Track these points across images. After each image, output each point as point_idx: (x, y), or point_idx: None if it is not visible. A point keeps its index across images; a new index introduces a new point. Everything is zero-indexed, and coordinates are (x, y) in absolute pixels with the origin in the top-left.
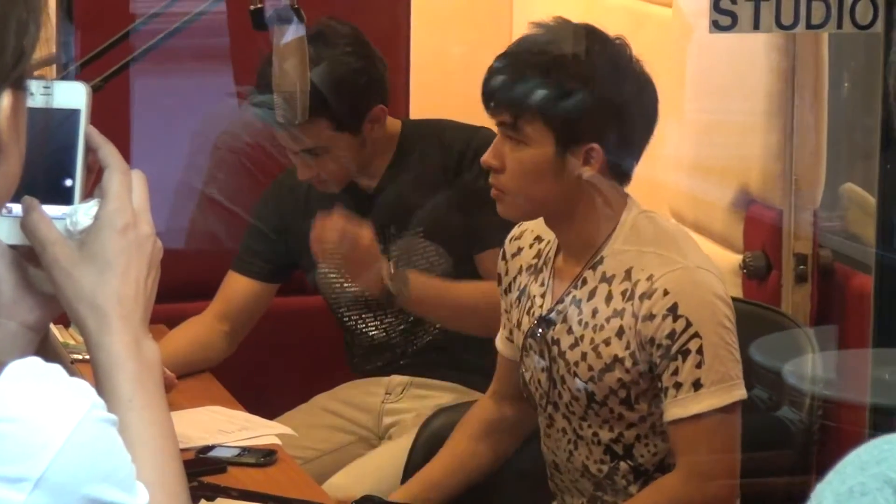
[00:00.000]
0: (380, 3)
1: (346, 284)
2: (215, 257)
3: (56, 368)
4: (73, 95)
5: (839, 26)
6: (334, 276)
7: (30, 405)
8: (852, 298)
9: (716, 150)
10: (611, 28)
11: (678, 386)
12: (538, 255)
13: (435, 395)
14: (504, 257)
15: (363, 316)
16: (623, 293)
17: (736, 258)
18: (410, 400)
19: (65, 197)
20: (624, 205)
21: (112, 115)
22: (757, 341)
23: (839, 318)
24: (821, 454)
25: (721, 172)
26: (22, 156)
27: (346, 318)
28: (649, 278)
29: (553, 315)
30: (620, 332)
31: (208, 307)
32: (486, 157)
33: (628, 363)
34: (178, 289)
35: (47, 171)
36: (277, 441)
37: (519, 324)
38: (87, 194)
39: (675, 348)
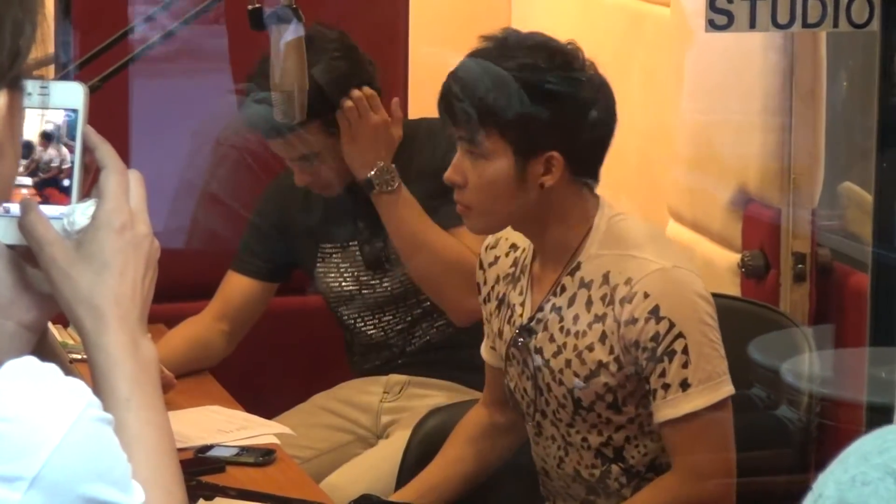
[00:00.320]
0: (378, 3)
1: (343, 285)
2: (215, 257)
3: (52, 368)
4: (70, 95)
5: (835, 25)
6: (333, 275)
7: (25, 404)
8: (851, 297)
9: (714, 149)
10: (609, 28)
11: (666, 387)
12: (515, 264)
13: (433, 394)
14: (481, 266)
15: (361, 315)
16: (603, 298)
17: (734, 257)
18: (408, 399)
19: (62, 197)
20: (596, 208)
21: (110, 115)
22: (755, 340)
23: (838, 317)
24: (819, 453)
25: (719, 171)
26: (18, 155)
27: (345, 317)
28: (628, 282)
29: (533, 324)
30: (603, 338)
31: (207, 307)
32: (449, 174)
33: (613, 368)
34: (177, 288)
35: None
36: (276, 440)
37: (500, 333)
38: (85, 194)
39: (660, 350)
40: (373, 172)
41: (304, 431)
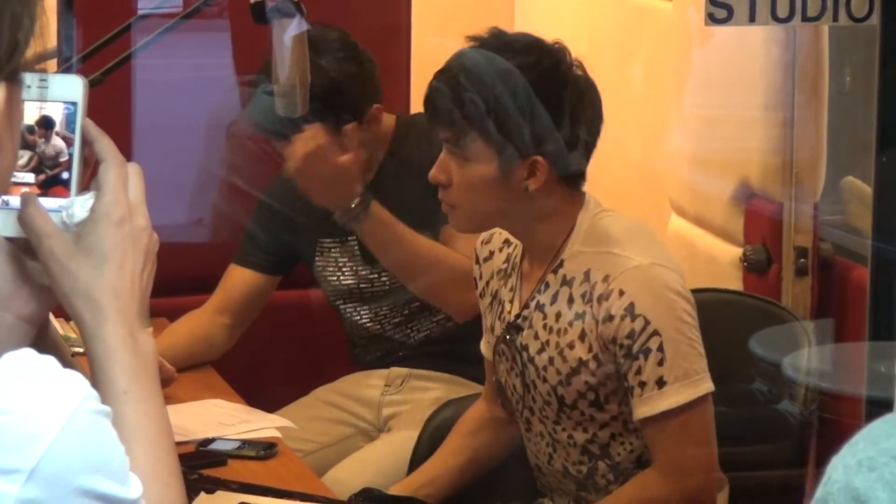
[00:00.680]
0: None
1: (342, 279)
2: (217, 250)
3: (50, 360)
4: (69, 89)
5: (835, 19)
6: (332, 269)
7: (23, 397)
8: (853, 291)
9: (716, 143)
10: (611, 23)
11: (643, 385)
12: (507, 260)
13: (434, 387)
14: (477, 261)
15: (358, 308)
16: (583, 295)
17: (736, 251)
18: (410, 392)
19: (61, 190)
20: (580, 206)
21: (113, 108)
22: (757, 334)
23: (839, 311)
24: (819, 446)
25: (721, 166)
26: (16, 148)
27: (344, 311)
28: (605, 279)
29: (520, 321)
30: (583, 335)
31: (209, 300)
32: (433, 173)
33: (593, 365)
34: (179, 282)
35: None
36: (277, 434)
37: (492, 329)
38: (84, 187)
39: (636, 348)
40: (338, 213)
41: (306, 425)
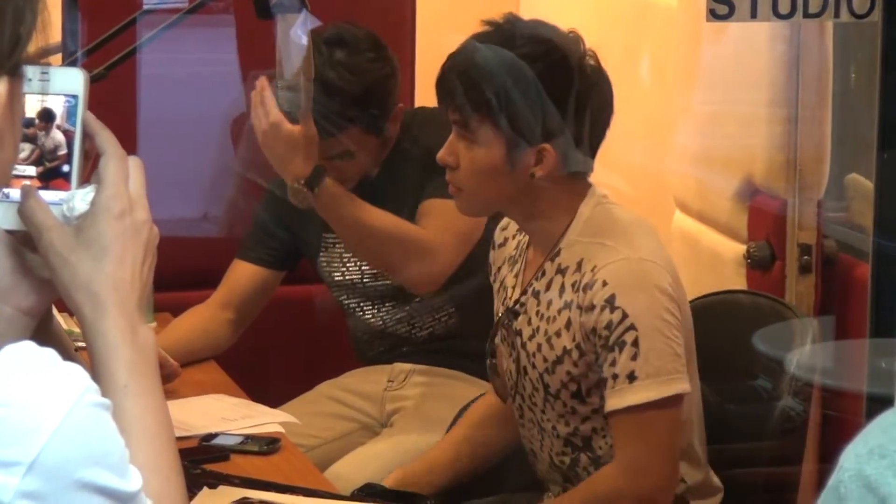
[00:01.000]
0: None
1: (346, 273)
2: (221, 245)
3: (50, 352)
4: (70, 82)
5: (836, 15)
6: (336, 264)
7: (23, 389)
8: (856, 288)
9: (720, 140)
10: (616, 19)
11: (615, 377)
12: (517, 247)
13: (437, 383)
14: (493, 247)
15: (361, 304)
16: (573, 285)
17: (740, 248)
18: (413, 387)
19: (62, 183)
20: (584, 196)
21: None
22: (760, 331)
23: (843, 308)
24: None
25: (725, 163)
26: (17, 142)
27: (346, 306)
28: (593, 269)
29: (517, 307)
30: (568, 324)
31: (213, 295)
32: (441, 154)
33: (575, 355)
34: (183, 277)
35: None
36: (280, 429)
37: (497, 314)
38: (85, 180)
39: (612, 339)
40: (291, 189)
41: (309, 420)
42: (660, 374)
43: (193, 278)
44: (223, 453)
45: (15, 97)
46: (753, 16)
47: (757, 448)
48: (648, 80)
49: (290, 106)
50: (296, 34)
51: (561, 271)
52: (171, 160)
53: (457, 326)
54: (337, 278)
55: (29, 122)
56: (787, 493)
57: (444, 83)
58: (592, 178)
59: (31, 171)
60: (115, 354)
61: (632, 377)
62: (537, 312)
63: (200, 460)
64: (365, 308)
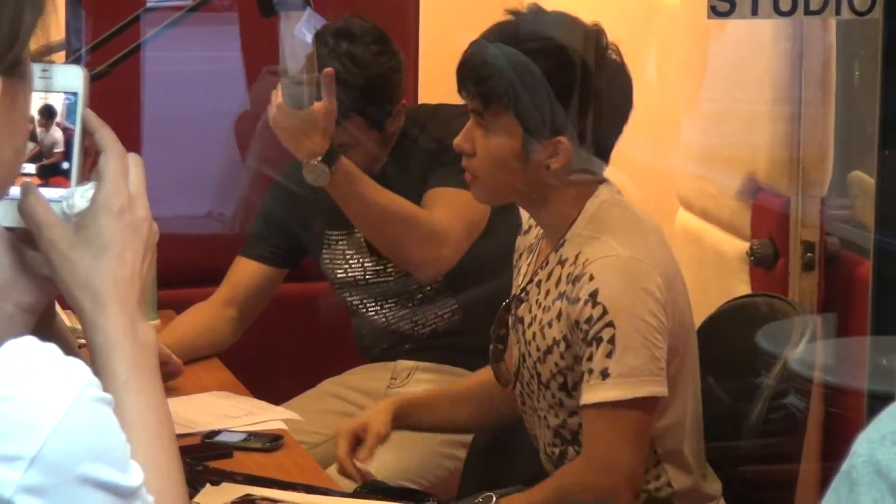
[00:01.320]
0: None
1: (349, 270)
2: (224, 242)
3: (51, 347)
4: (70, 79)
5: (837, 12)
6: (339, 261)
7: (25, 384)
8: (859, 286)
9: (724, 138)
10: (621, 17)
11: (591, 372)
12: (537, 236)
13: (440, 380)
14: (521, 232)
15: (364, 300)
16: (567, 276)
17: (743, 246)
18: (416, 385)
19: (62, 180)
20: (594, 190)
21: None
22: (763, 328)
23: (846, 306)
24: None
25: (729, 160)
26: (15, 143)
27: (350, 302)
28: (584, 262)
29: (523, 294)
30: (559, 315)
31: (216, 292)
32: (458, 141)
33: (562, 347)
34: (187, 274)
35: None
36: (284, 426)
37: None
38: (85, 177)
39: (590, 334)
40: (306, 167)
41: (312, 417)
42: (632, 375)
43: (197, 275)
44: (226, 450)
45: (14, 97)
46: (754, 12)
47: (760, 446)
48: (652, 78)
49: (293, 103)
50: (299, 31)
51: (561, 262)
52: (175, 157)
53: (459, 323)
54: (340, 275)
55: (30, 120)
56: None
57: (464, 70)
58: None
59: (31, 168)
60: (115, 351)
61: (605, 374)
62: (537, 301)
63: (203, 457)
64: (368, 305)
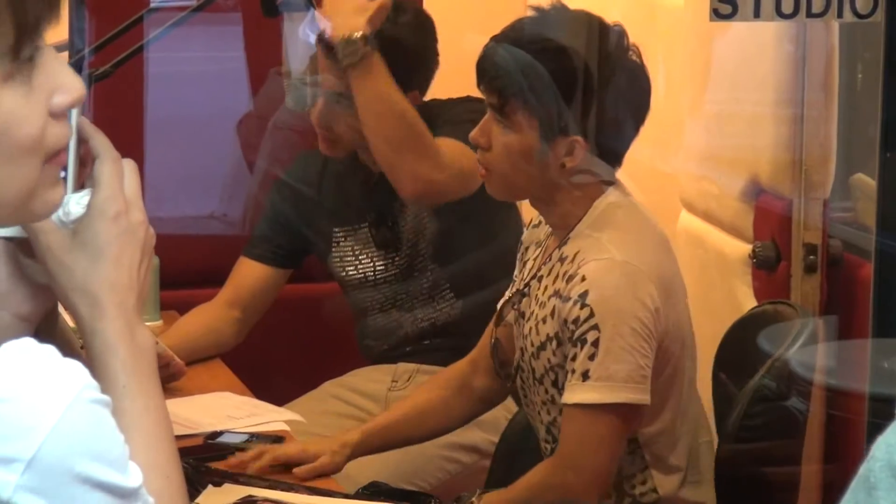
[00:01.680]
0: None
1: (359, 267)
2: (227, 243)
3: (49, 349)
4: None
5: (839, 15)
6: (350, 258)
7: (22, 385)
8: (862, 288)
9: (726, 140)
10: (623, 18)
11: (573, 372)
12: (546, 232)
13: None
14: (528, 227)
15: (371, 300)
16: (564, 274)
17: (746, 248)
18: (417, 387)
19: None
20: (603, 191)
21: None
22: (765, 331)
23: (848, 308)
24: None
25: (731, 162)
26: (24, 168)
27: (358, 301)
28: (580, 262)
29: (526, 288)
30: (553, 313)
31: (219, 293)
32: (474, 134)
33: (554, 344)
34: (190, 275)
35: None
36: (286, 427)
37: (510, 293)
38: (80, 185)
39: (576, 334)
40: (339, 42)
41: (314, 418)
42: (611, 380)
43: (200, 276)
44: (228, 451)
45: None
46: (756, 15)
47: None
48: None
49: (296, 104)
50: (303, 32)
51: (561, 259)
52: (178, 158)
53: (458, 316)
54: (351, 273)
55: None
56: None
57: (484, 65)
58: None
59: None
60: (113, 355)
61: (586, 376)
62: (536, 297)
63: (205, 458)
64: (374, 304)
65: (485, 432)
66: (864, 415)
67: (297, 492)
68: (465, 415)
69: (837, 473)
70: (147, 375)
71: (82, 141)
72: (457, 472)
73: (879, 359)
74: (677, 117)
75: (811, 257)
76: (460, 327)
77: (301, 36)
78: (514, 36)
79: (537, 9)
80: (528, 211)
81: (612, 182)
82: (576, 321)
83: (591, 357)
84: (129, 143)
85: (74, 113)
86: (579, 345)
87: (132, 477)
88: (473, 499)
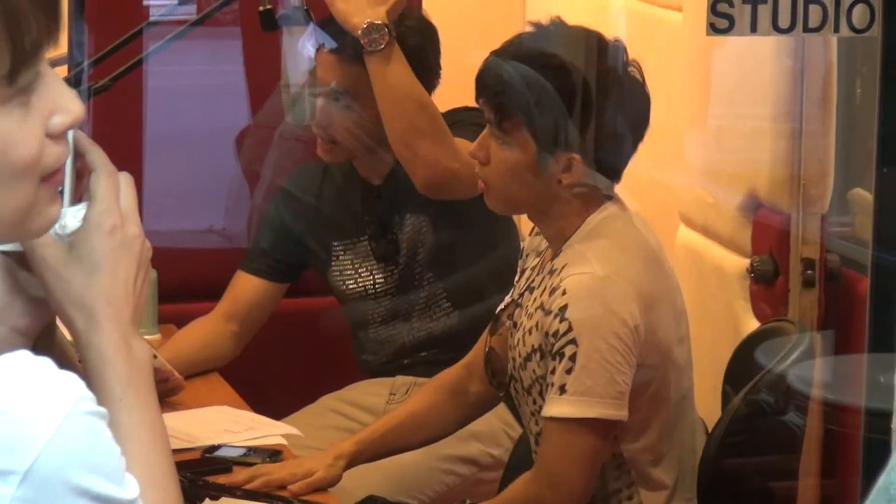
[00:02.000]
0: None
1: (359, 281)
2: (225, 257)
3: (45, 361)
4: None
5: (836, 30)
6: (350, 271)
7: (18, 398)
8: (859, 303)
9: (724, 154)
10: (622, 33)
11: (552, 385)
12: (545, 242)
13: None
14: (531, 233)
15: (370, 312)
16: (550, 286)
17: (744, 262)
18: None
19: None
20: (598, 206)
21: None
22: (762, 345)
23: (846, 323)
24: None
25: (729, 177)
26: (21, 188)
27: (355, 314)
28: (565, 276)
29: (520, 298)
30: (538, 325)
31: (216, 307)
32: (473, 149)
33: (538, 356)
34: (188, 288)
35: None
36: (283, 441)
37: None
38: (77, 199)
39: (555, 348)
40: (361, 31)
41: (312, 432)
42: (587, 395)
43: (198, 290)
44: (226, 465)
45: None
46: (753, 30)
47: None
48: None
49: (295, 119)
50: (302, 46)
51: (551, 272)
52: (177, 171)
53: (455, 327)
54: (351, 286)
55: None
56: None
57: (483, 80)
58: None
59: None
60: (109, 368)
61: (563, 389)
62: (526, 308)
63: (203, 472)
64: (373, 317)
65: (483, 445)
66: (860, 429)
67: None
68: (460, 420)
69: (834, 488)
70: (143, 388)
71: (79, 155)
72: (455, 484)
73: (876, 373)
74: (676, 132)
75: (809, 272)
76: (457, 338)
77: (300, 50)
78: (512, 51)
79: (536, 24)
80: (526, 223)
81: (609, 196)
82: (555, 334)
83: (569, 371)
84: (128, 157)
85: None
86: (558, 358)
87: (129, 489)
88: None
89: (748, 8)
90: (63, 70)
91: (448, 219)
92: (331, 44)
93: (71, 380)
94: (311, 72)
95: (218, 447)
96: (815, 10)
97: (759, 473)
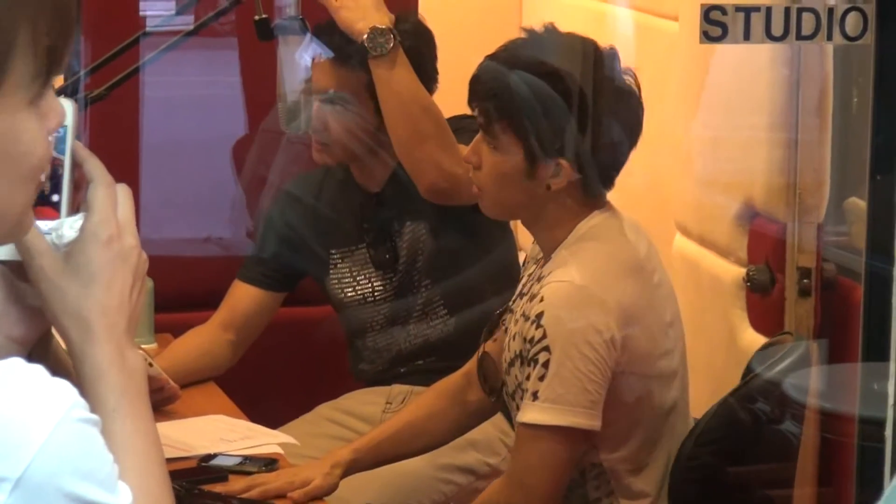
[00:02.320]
0: (388, 7)
1: (357, 289)
2: (222, 266)
3: (37, 369)
4: None
5: (829, 38)
6: (348, 279)
7: (9, 405)
8: (856, 312)
9: (721, 163)
10: (618, 42)
11: (525, 391)
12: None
13: None
14: (534, 241)
15: (367, 320)
16: (535, 293)
17: (740, 271)
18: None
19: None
20: (589, 213)
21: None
22: (757, 353)
23: (842, 332)
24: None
25: (726, 186)
26: (22, 190)
27: (353, 322)
28: (545, 283)
29: (513, 304)
30: (521, 331)
31: (213, 316)
32: (467, 154)
33: (518, 362)
34: (184, 298)
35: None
36: (279, 450)
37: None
38: (74, 210)
39: (531, 354)
40: (366, 36)
41: (308, 441)
42: (558, 402)
43: (195, 299)
44: (222, 474)
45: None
46: (746, 38)
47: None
48: (649, 103)
49: (291, 128)
50: (299, 56)
51: (539, 279)
52: (173, 180)
53: (451, 333)
54: (350, 295)
55: None
56: None
57: (474, 85)
58: None
59: None
60: (103, 378)
61: (535, 396)
62: (515, 314)
63: (199, 481)
64: (371, 325)
65: (480, 454)
66: (854, 438)
67: None
68: (459, 428)
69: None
70: (137, 398)
71: (76, 165)
72: (452, 493)
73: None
74: (673, 141)
75: (805, 281)
76: (453, 346)
77: (296, 60)
78: (503, 57)
79: (529, 31)
80: (522, 231)
81: (601, 204)
82: (531, 340)
83: (542, 378)
84: (125, 166)
85: (70, 137)
86: (532, 364)
87: (121, 496)
88: None
89: (741, 16)
90: (59, 79)
91: (447, 226)
92: (328, 53)
93: (63, 387)
94: (307, 81)
95: (214, 456)
96: (808, 18)
97: (737, 478)
